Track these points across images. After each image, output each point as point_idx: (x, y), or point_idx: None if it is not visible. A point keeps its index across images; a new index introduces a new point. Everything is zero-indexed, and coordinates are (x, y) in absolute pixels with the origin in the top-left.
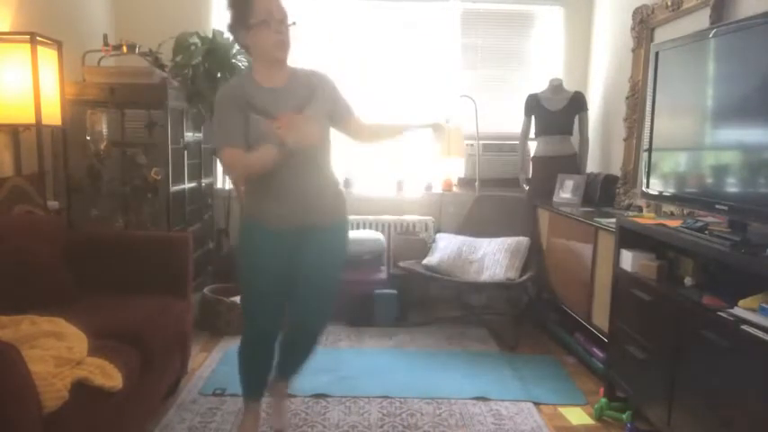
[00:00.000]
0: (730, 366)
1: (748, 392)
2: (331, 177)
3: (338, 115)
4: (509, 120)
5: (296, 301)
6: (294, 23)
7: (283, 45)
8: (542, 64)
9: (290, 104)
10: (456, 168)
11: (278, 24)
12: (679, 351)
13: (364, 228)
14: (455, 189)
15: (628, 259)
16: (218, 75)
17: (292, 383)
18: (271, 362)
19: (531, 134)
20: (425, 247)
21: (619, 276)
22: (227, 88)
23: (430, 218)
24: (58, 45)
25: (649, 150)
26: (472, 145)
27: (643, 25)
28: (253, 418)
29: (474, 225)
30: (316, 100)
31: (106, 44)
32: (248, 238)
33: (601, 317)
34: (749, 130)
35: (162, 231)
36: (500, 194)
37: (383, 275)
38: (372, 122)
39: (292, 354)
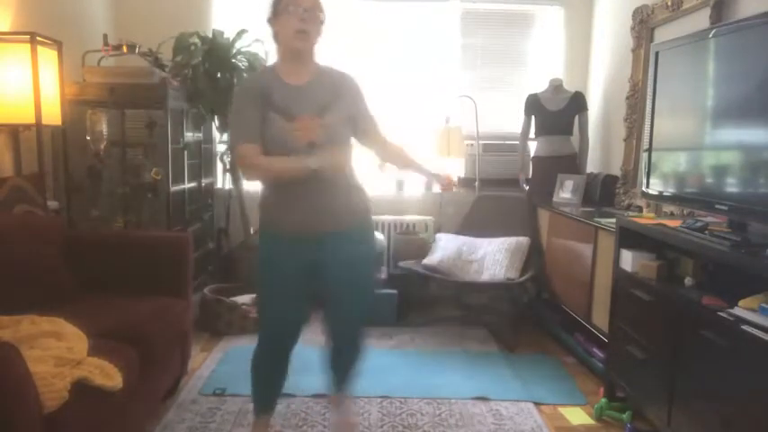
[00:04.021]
0: (730, 366)
1: (748, 392)
2: (350, 180)
3: (361, 126)
4: (509, 120)
5: (333, 316)
6: (322, 19)
7: (304, 34)
8: (542, 64)
9: (311, 105)
10: (456, 168)
11: (302, 12)
12: (679, 351)
13: None
14: (455, 189)
15: (628, 259)
16: (218, 75)
17: (352, 396)
18: (284, 375)
19: (531, 134)
20: (425, 247)
21: (619, 276)
22: (247, 80)
23: (430, 218)
24: (58, 45)
25: (649, 150)
26: (472, 145)
27: (643, 25)
28: None
29: (474, 225)
30: (338, 103)
31: (106, 44)
32: (265, 247)
33: (601, 317)
34: (749, 130)
35: (162, 231)
36: (500, 194)
37: (383, 275)
38: (394, 145)
39: (342, 367)
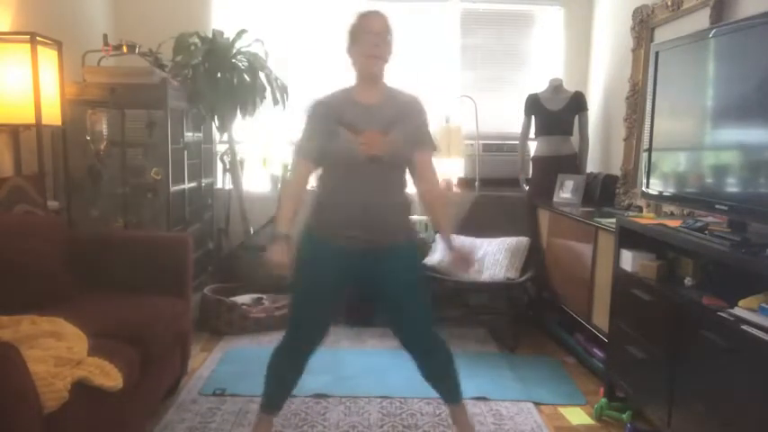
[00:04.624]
0: (730, 366)
1: (748, 392)
2: (406, 195)
3: (416, 145)
4: (509, 120)
5: (404, 326)
6: (390, 41)
7: (376, 59)
8: (542, 64)
9: (378, 122)
10: (456, 168)
11: (374, 38)
12: (679, 351)
13: None
14: (455, 189)
15: (628, 259)
16: (218, 75)
17: (461, 400)
18: (298, 378)
19: (531, 134)
20: (425, 247)
21: (619, 276)
22: (325, 98)
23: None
24: (58, 45)
25: (649, 150)
26: (472, 145)
27: (643, 25)
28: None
29: (474, 225)
30: (403, 123)
31: (106, 44)
32: (308, 249)
33: (601, 317)
34: (749, 130)
35: (162, 231)
36: (500, 194)
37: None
38: (435, 190)
39: (436, 374)
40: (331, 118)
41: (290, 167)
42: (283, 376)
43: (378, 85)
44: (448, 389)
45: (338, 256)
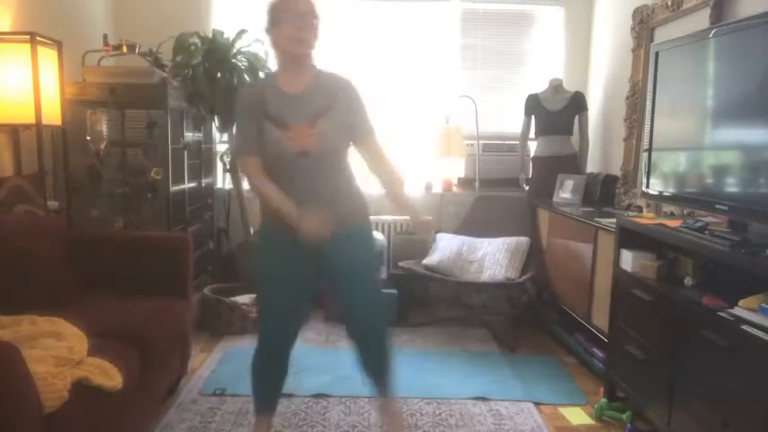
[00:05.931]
0: (730, 366)
1: (748, 392)
2: (349, 182)
3: (355, 132)
4: (509, 120)
5: (348, 314)
6: (317, 25)
7: (299, 41)
8: (542, 64)
9: (305, 113)
10: (456, 168)
11: (297, 19)
12: (679, 351)
13: None
14: (455, 189)
15: (628, 259)
16: (218, 75)
17: (393, 395)
18: (283, 375)
19: (531, 134)
20: (425, 247)
21: (619, 276)
22: (246, 92)
23: (430, 218)
24: (58, 45)
25: (649, 150)
26: (472, 145)
27: (643, 25)
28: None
29: (474, 225)
30: (334, 110)
31: (106, 44)
32: (264, 240)
33: (601, 317)
34: (749, 130)
35: (162, 231)
36: (500, 194)
37: (383, 275)
38: (389, 166)
39: (373, 367)
40: (256, 109)
41: (240, 169)
42: (269, 378)
43: (303, 70)
44: (378, 382)
45: (296, 243)
